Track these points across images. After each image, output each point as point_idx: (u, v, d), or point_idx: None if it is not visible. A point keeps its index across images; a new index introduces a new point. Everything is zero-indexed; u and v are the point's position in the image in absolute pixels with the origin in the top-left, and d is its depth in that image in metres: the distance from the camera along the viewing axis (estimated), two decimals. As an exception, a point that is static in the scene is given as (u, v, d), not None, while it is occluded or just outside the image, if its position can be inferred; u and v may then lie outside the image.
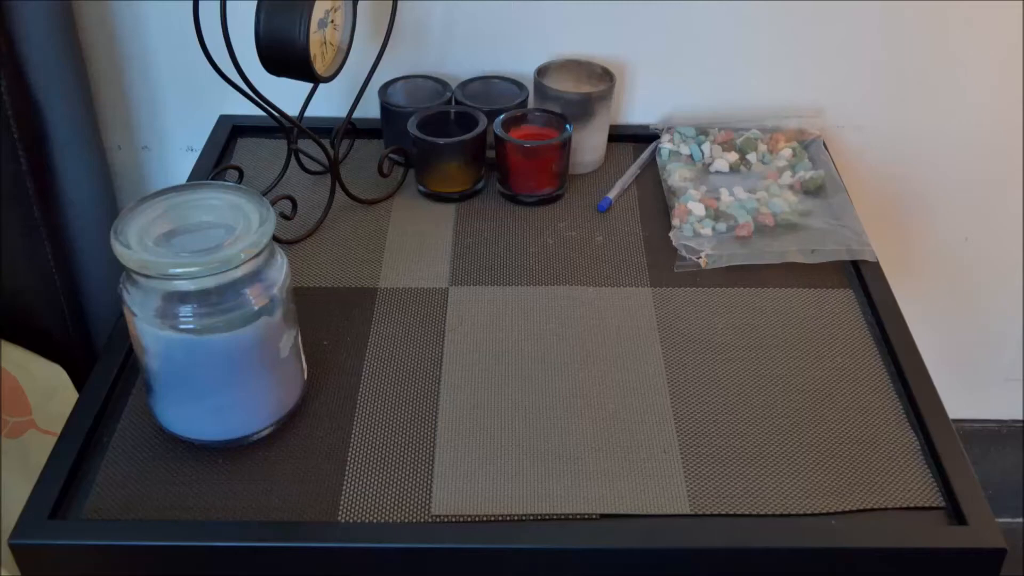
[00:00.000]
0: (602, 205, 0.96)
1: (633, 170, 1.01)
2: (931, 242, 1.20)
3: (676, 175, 0.97)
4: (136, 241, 0.64)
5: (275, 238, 0.89)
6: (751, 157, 1.00)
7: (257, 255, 0.65)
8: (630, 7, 1.04)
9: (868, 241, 0.90)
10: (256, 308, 0.66)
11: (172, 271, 0.63)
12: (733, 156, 1.00)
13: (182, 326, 0.65)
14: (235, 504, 0.68)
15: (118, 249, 0.64)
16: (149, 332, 0.65)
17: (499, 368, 0.79)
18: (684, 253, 0.89)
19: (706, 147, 1.00)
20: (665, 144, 1.02)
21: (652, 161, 1.04)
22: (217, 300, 0.65)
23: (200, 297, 0.64)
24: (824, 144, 1.03)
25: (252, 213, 0.67)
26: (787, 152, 1.00)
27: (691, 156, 1.00)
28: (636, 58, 1.07)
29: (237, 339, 0.66)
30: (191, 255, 0.63)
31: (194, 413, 0.70)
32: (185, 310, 0.64)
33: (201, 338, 0.65)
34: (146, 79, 1.09)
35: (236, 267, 0.64)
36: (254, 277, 0.66)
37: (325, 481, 0.69)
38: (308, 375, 0.76)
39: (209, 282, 0.64)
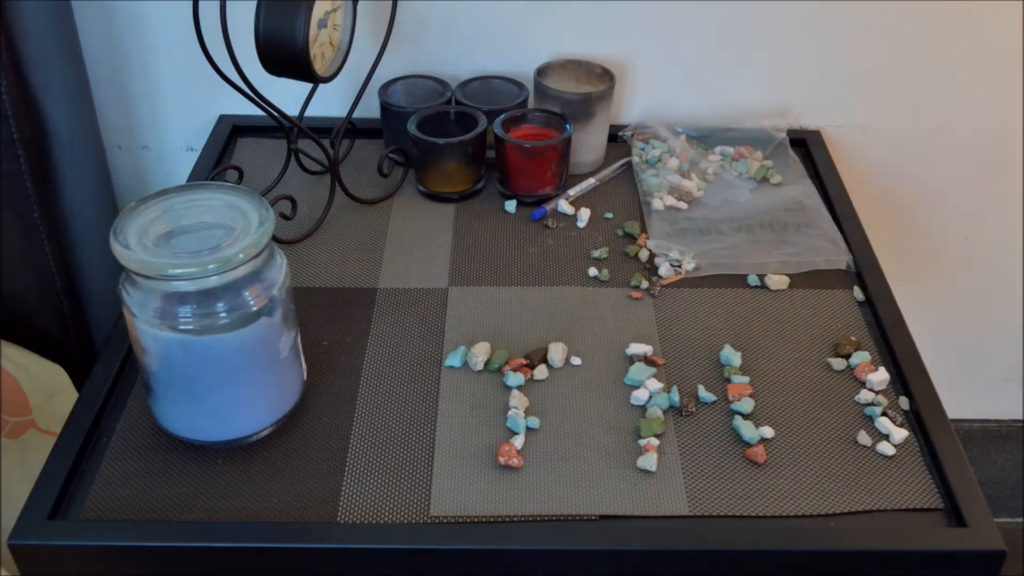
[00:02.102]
0: (535, 214, 0.95)
1: (590, 182, 1.00)
2: (931, 242, 1.20)
3: (649, 184, 0.98)
4: (135, 242, 0.64)
5: (275, 238, 0.90)
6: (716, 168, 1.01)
7: (256, 256, 0.65)
8: (630, 7, 1.04)
9: (846, 249, 0.90)
10: (255, 308, 0.66)
11: (171, 272, 0.63)
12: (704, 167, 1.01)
13: (181, 327, 0.65)
14: (235, 504, 0.68)
15: (117, 250, 0.64)
16: (148, 333, 0.65)
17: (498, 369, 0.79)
18: (665, 262, 0.89)
19: (673, 162, 1.01)
20: (635, 156, 1.02)
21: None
22: (216, 301, 0.65)
23: (199, 298, 0.64)
24: (788, 144, 1.04)
25: (251, 213, 0.67)
26: (753, 165, 1.01)
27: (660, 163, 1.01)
28: (636, 58, 1.07)
29: (237, 339, 0.66)
30: (190, 256, 0.63)
31: (194, 413, 0.69)
32: (184, 311, 0.64)
33: (200, 338, 0.65)
34: (146, 79, 1.09)
35: (235, 267, 0.64)
36: (253, 277, 0.66)
37: (324, 482, 0.70)
38: (308, 375, 0.77)
39: (208, 283, 0.64)
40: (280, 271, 0.69)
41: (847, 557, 0.65)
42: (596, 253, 0.90)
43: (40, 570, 0.66)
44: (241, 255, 0.64)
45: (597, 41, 1.06)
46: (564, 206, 0.96)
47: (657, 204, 0.94)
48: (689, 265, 0.88)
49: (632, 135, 1.05)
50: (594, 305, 0.85)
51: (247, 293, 0.66)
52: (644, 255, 0.90)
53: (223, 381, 0.68)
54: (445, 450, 0.72)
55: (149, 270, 0.63)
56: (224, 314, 0.65)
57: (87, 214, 1.05)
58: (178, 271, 0.63)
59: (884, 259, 0.92)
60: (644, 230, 0.93)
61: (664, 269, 0.88)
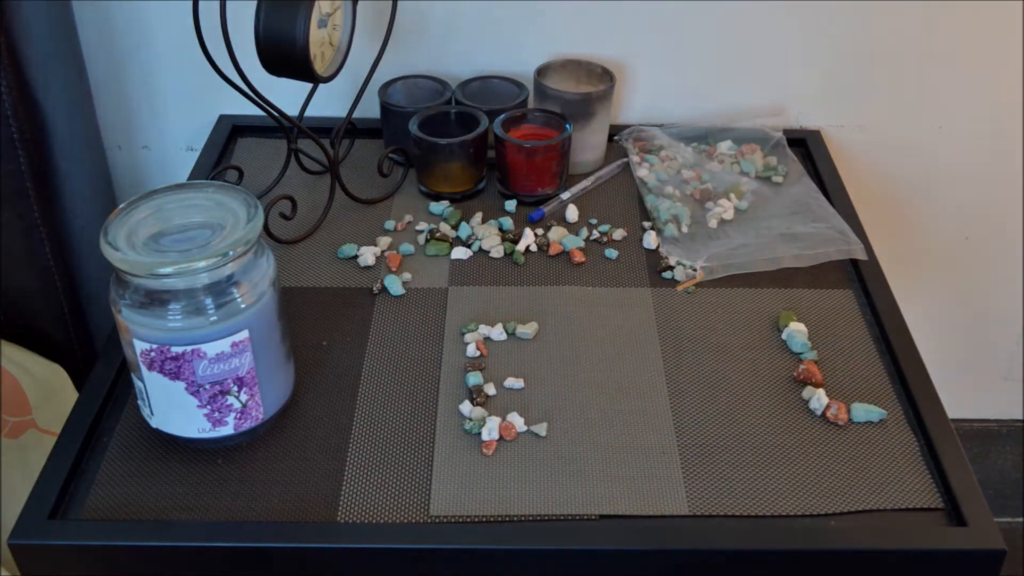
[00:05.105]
0: (533, 216, 0.94)
1: (586, 182, 0.99)
2: (931, 242, 1.20)
3: (651, 190, 0.98)
4: (124, 242, 0.65)
5: (275, 238, 0.90)
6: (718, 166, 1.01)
7: (244, 253, 0.66)
8: (630, 7, 1.04)
9: (856, 239, 0.90)
10: (244, 306, 0.66)
11: (159, 271, 0.63)
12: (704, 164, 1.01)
13: (171, 325, 0.65)
14: (234, 504, 0.68)
15: (107, 251, 0.64)
16: (138, 331, 0.66)
17: (498, 368, 0.79)
18: (679, 264, 0.89)
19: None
20: (634, 157, 1.02)
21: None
22: (205, 298, 0.65)
23: (188, 296, 0.65)
24: (786, 143, 1.04)
25: (240, 212, 0.68)
26: (757, 160, 1.01)
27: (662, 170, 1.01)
28: (636, 58, 1.07)
29: (226, 337, 0.66)
30: (178, 254, 0.64)
31: (186, 412, 0.69)
32: (174, 308, 0.65)
33: (190, 335, 0.65)
34: (146, 79, 1.09)
35: (223, 265, 0.64)
36: (242, 275, 0.67)
37: (324, 481, 0.70)
38: (308, 375, 0.77)
39: (196, 280, 0.64)
40: (268, 269, 0.69)
41: (847, 557, 0.65)
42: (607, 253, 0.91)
43: (40, 570, 0.66)
44: (229, 253, 0.64)
45: (597, 41, 1.06)
46: (564, 209, 0.96)
47: (671, 231, 0.92)
48: (701, 268, 0.87)
49: (630, 140, 1.05)
50: (594, 304, 0.85)
51: (236, 291, 0.66)
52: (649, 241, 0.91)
53: (213, 380, 0.68)
54: (444, 450, 0.72)
55: (138, 269, 0.63)
56: (213, 312, 0.65)
57: (87, 214, 1.05)
58: (167, 270, 0.63)
59: (884, 259, 0.92)
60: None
61: (678, 273, 0.88)
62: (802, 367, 0.77)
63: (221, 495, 0.69)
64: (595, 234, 0.93)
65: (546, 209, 0.95)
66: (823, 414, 0.74)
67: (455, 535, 0.66)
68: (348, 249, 0.90)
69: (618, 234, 0.93)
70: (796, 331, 0.81)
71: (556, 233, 0.92)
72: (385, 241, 0.91)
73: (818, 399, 0.75)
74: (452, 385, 0.77)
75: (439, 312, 0.84)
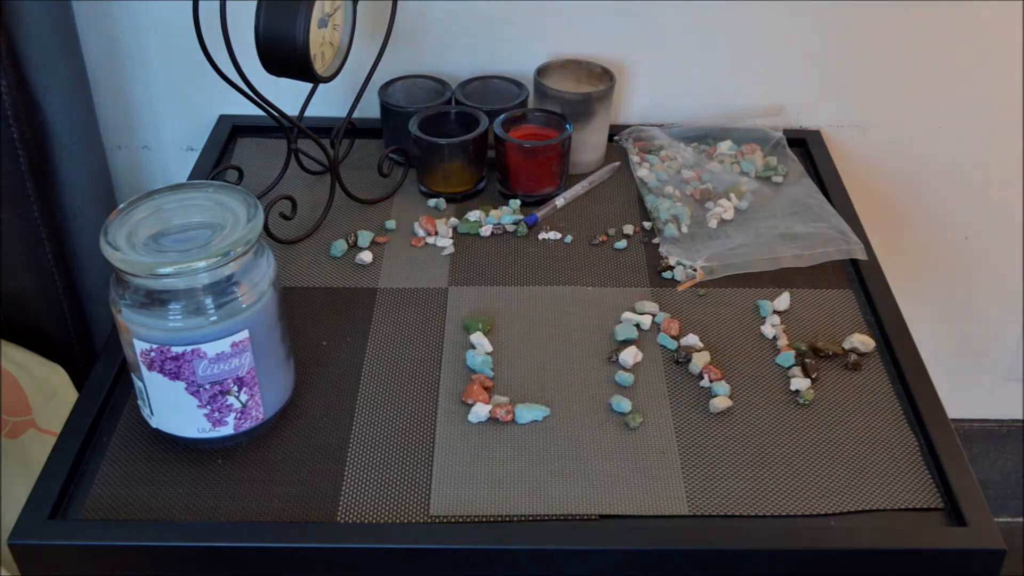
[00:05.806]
0: (529, 220, 0.94)
1: (580, 187, 0.99)
2: (931, 242, 1.20)
3: (652, 190, 0.98)
4: (124, 242, 0.65)
5: (275, 238, 0.90)
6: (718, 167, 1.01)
7: (244, 253, 0.66)
8: (630, 7, 1.04)
9: (856, 239, 0.90)
10: (244, 305, 0.66)
11: (160, 271, 0.63)
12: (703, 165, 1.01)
13: (171, 325, 0.65)
14: (234, 504, 0.68)
15: (107, 251, 0.64)
16: (138, 331, 0.66)
17: (498, 368, 0.79)
18: (679, 264, 0.89)
19: (672, 165, 1.01)
20: (634, 157, 1.02)
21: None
22: (205, 298, 0.65)
23: (188, 296, 0.65)
24: (786, 143, 1.04)
25: (240, 212, 0.68)
26: (757, 159, 1.01)
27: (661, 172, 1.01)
28: (636, 58, 1.07)
29: (226, 337, 0.66)
30: (179, 254, 0.64)
31: (186, 412, 0.69)
32: (174, 308, 0.65)
33: (190, 335, 0.65)
34: (146, 79, 1.09)
35: (223, 265, 0.64)
36: (242, 275, 0.67)
37: (324, 481, 0.70)
38: (308, 375, 0.77)
39: (197, 280, 0.64)
40: (268, 268, 0.69)
41: (847, 557, 0.65)
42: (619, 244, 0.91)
43: (40, 570, 0.66)
44: (229, 253, 0.64)
45: (597, 41, 1.06)
46: (561, 210, 0.96)
47: (671, 230, 0.92)
48: (701, 268, 0.87)
49: (630, 140, 1.05)
50: (594, 304, 0.85)
51: (236, 291, 0.66)
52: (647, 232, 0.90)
53: (213, 379, 0.68)
54: (444, 450, 0.72)
55: (138, 269, 0.63)
56: (213, 312, 0.65)
57: (87, 214, 1.05)
58: (167, 270, 0.63)
59: (884, 259, 0.92)
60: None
61: (678, 273, 0.88)
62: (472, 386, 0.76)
63: (221, 495, 0.69)
64: (595, 234, 0.93)
65: (539, 214, 0.94)
66: (491, 417, 0.74)
67: (455, 535, 0.66)
68: (339, 246, 0.90)
69: (618, 234, 0.93)
70: (479, 343, 0.80)
71: (555, 233, 0.92)
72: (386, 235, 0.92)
73: (476, 412, 0.74)
74: (452, 385, 0.77)
75: (439, 312, 0.84)
